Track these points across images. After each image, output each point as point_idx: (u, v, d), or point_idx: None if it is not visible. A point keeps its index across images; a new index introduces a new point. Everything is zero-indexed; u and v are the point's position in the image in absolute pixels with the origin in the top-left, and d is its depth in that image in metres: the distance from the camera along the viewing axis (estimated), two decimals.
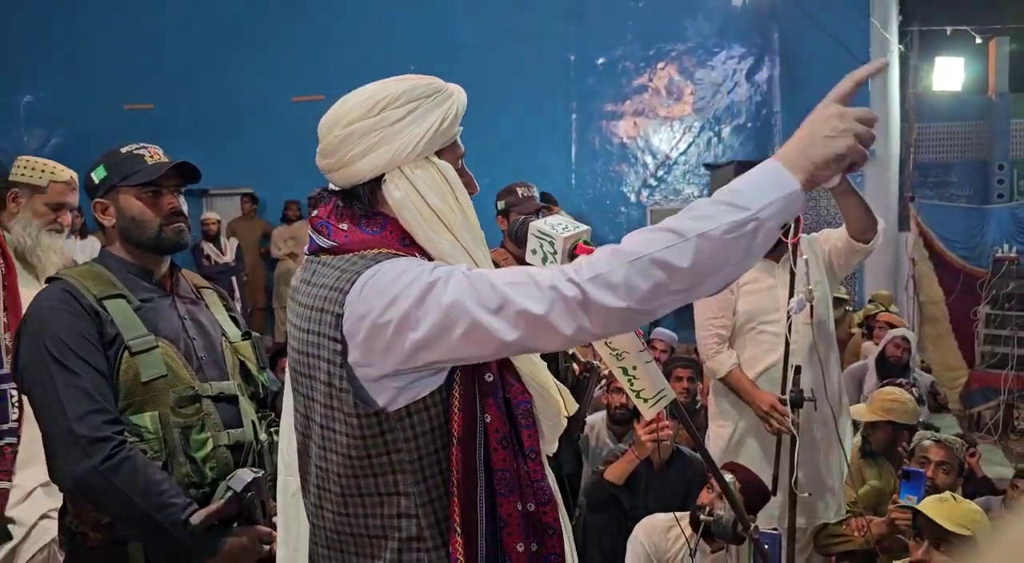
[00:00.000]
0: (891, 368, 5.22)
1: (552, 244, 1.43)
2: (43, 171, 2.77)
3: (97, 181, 1.84)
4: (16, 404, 2.54)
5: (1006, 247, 7.62)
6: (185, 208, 1.89)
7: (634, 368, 1.53)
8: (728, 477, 1.64)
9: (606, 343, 1.51)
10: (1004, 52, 8.98)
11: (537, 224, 1.45)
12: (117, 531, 1.70)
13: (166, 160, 1.86)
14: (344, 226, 1.34)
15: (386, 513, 1.30)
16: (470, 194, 1.39)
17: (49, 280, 1.84)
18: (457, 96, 1.36)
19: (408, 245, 1.32)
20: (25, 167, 2.82)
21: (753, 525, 1.60)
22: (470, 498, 1.29)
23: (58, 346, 1.67)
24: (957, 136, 9.39)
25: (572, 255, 1.44)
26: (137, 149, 1.85)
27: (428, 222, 1.31)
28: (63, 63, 9.09)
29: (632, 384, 1.54)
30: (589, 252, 1.44)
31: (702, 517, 2.34)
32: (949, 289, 7.82)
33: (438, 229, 1.31)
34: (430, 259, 1.31)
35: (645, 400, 1.55)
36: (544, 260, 1.46)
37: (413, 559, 1.29)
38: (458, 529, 1.27)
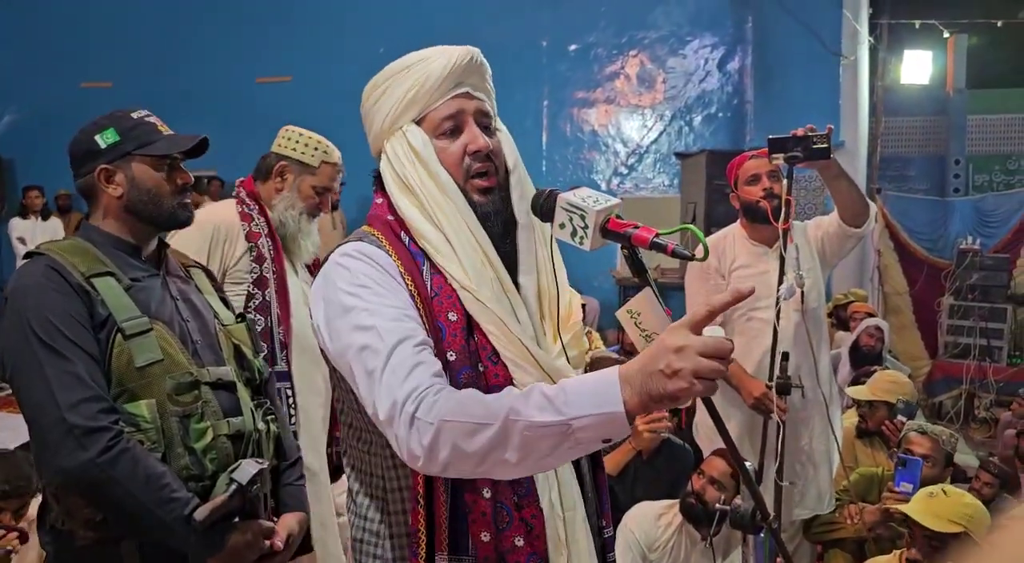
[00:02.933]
0: (864, 357, 5.25)
1: (583, 218, 1.34)
2: (316, 149, 2.58)
3: (104, 145, 1.69)
4: (293, 407, 2.44)
5: (969, 239, 7.76)
6: None
7: None
8: (748, 464, 1.59)
9: (636, 324, 1.43)
10: (963, 48, 9.13)
11: (566, 196, 1.36)
12: (111, 529, 1.57)
13: (170, 131, 1.77)
14: (379, 200, 1.42)
15: (367, 470, 1.36)
16: (476, 151, 1.36)
17: (29, 255, 1.67)
18: (437, 61, 1.35)
19: (393, 211, 1.38)
20: (297, 141, 2.59)
21: (772, 515, 1.53)
22: (431, 478, 1.28)
23: (46, 328, 1.53)
24: (916, 131, 9.55)
25: (605, 230, 1.36)
26: (146, 116, 1.74)
27: (400, 190, 1.36)
28: (17, 38, 8.74)
29: None
30: (621, 227, 1.36)
31: (718, 506, 2.29)
32: (913, 280, 7.96)
33: (407, 196, 1.35)
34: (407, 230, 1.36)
35: None
36: (573, 235, 1.37)
37: (378, 518, 1.35)
38: (421, 501, 1.28)
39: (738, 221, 3.23)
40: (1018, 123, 9.49)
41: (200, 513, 1.52)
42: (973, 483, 3.81)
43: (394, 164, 1.36)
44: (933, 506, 2.37)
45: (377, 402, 1.19)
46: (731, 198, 3.21)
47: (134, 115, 1.73)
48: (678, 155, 8.22)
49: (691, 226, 1.32)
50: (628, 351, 4.92)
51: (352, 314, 1.25)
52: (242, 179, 2.67)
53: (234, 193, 2.64)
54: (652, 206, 8.32)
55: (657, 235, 1.34)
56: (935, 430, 3.18)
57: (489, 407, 1.13)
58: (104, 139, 1.70)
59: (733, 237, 3.21)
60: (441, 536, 1.28)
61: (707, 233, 3.44)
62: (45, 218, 8.05)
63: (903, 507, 2.41)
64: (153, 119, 1.75)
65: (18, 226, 8.03)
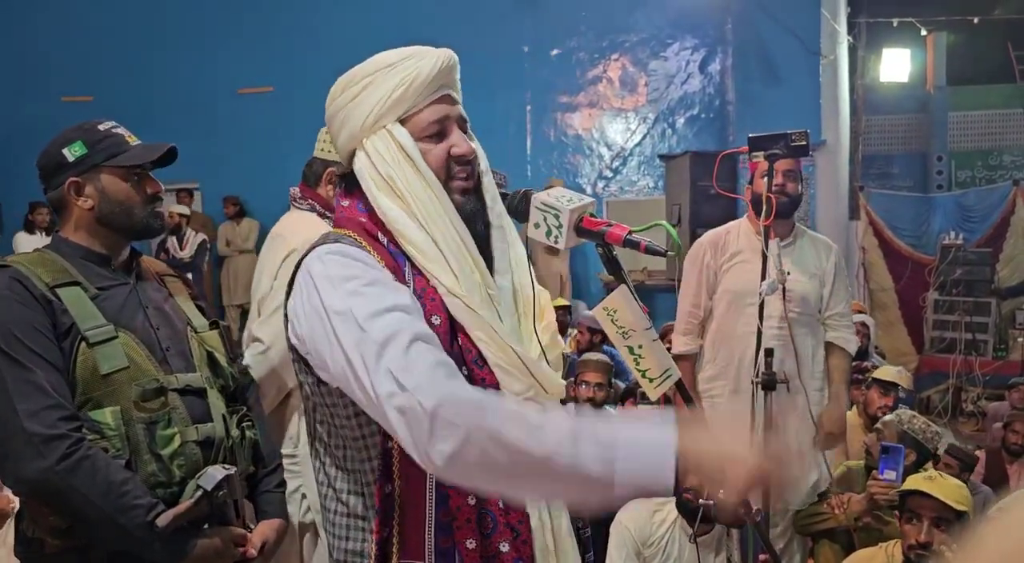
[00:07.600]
0: None
1: (557, 217, 1.37)
2: None
3: (72, 158, 1.70)
4: None
5: (953, 234, 7.82)
6: None
7: (640, 347, 1.46)
8: None
9: (613, 321, 1.44)
10: (942, 46, 9.23)
11: (540, 196, 1.39)
12: (78, 536, 1.57)
13: (139, 141, 1.77)
14: (345, 202, 1.38)
15: (339, 487, 1.32)
16: (461, 155, 1.34)
17: None
18: (425, 61, 1.32)
19: (369, 213, 1.33)
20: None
21: (756, 508, 1.54)
22: (415, 483, 1.25)
23: (6, 338, 1.54)
24: (898, 128, 9.63)
25: (578, 228, 1.37)
26: (113, 128, 1.74)
27: (381, 190, 1.31)
28: None
29: (638, 363, 1.47)
30: (596, 225, 1.38)
31: (700, 501, 2.29)
32: (898, 276, 8.00)
33: (390, 197, 1.31)
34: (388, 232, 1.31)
35: (651, 380, 1.49)
36: (548, 234, 1.39)
37: (359, 538, 1.30)
38: (397, 513, 1.26)
39: (746, 214, 3.27)
40: (998, 119, 9.58)
41: (163, 519, 1.52)
42: (938, 466, 3.86)
43: (377, 163, 1.31)
44: (939, 487, 2.37)
45: (378, 387, 1.12)
46: (746, 190, 3.25)
47: (101, 127, 1.73)
48: (662, 157, 8.24)
49: (662, 222, 1.34)
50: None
51: (349, 303, 1.19)
52: (298, 189, 2.60)
53: (301, 206, 2.56)
54: (637, 208, 8.35)
55: (630, 232, 1.35)
56: (915, 427, 3.16)
57: (533, 432, 1.07)
58: (72, 152, 1.70)
59: (738, 230, 3.24)
60: (427, 545, 1.25)
61: (692, 234, 3.47)
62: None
63: (920, 485, 2.40)
64: (121, 130, 1.75)
65: None
